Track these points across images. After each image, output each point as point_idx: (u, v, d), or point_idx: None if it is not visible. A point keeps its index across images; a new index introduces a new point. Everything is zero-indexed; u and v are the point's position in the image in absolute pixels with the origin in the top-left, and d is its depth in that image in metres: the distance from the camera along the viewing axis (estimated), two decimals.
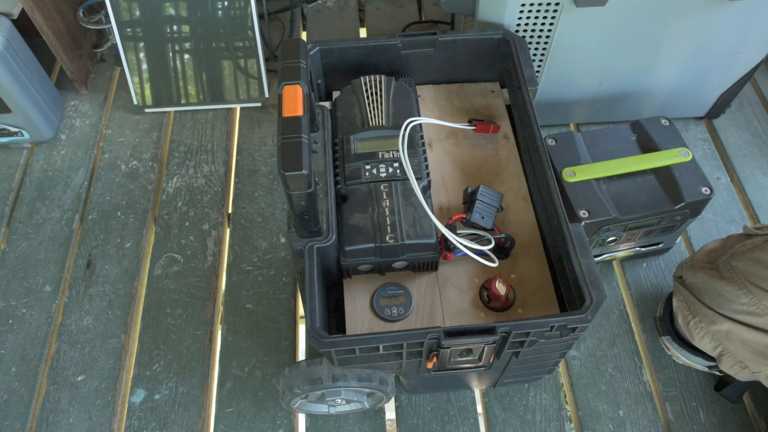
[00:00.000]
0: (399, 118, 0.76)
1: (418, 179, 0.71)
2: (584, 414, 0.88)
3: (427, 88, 0.89)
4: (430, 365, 0.66)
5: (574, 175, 0.86)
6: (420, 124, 0.79)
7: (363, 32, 1.40)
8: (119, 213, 1.10)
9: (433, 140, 0.83)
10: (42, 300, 1.00)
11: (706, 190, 0.85)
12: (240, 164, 1.16)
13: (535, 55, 0.99)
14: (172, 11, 1.13)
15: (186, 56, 1.17)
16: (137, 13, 1.12)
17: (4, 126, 1.12)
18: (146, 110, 1.23)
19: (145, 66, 1.18)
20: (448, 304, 0.70)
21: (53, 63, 1.31)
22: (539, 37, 0.96)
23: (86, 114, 1.24)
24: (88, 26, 1.20)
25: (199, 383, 0.92)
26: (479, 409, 0.89)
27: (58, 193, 1.12)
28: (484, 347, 0.65)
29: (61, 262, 1.04)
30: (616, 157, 0.89)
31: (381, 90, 0.80)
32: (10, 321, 0.98)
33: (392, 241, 0.68)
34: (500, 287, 0.68)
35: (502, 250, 0.73)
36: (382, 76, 0.81)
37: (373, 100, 0.79)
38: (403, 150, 0.72)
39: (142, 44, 1.16)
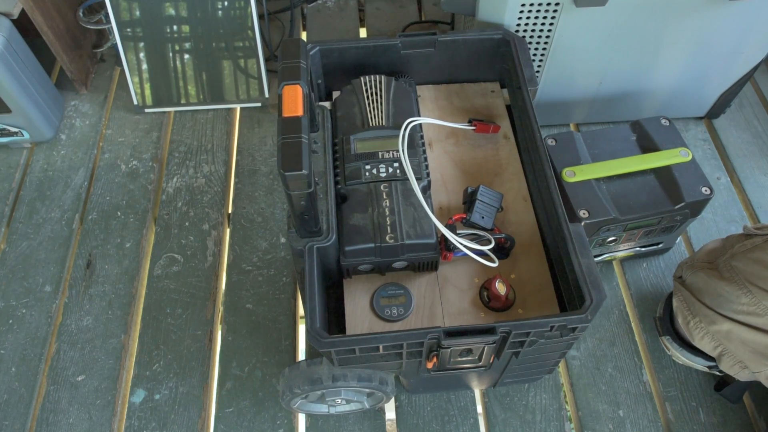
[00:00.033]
0: (399, 118, 0.76)
1: (418, 179, 0.71)
2: (584, 414, 0.88)
3: (427, 88, 0.89)
4: (430, 365, 0.66)
5: (574, 175, 0.86)
6: (420, 124, 0.79)
7: (363, 32, 1.40)
8: (119, 213, 1.10)
9: (433, 140, 0.83)
10: (42, 300, 1.00)
11: (706, 190, 0.85)
12: (240, 164, 1.16)
13: (535, 55, 0.99)
14: (172, 11, 1.13)
15: (186, 56, 1.17)
16: (137, 13, 1.12)
17: (4, 126, 1.12)
18: (146, 110, 1.23)
19: (145, 66, 1.18)
20: (448, 304, 0.70)
21: (53, 63, 1.31)
22: (539, 37, 0.96)
23: (86, 114, 1.24)
24: (88, 26, 1.20)
25: (199, 383, 0.92)
26: (479, 409, 0.89)
27: (58, 193, 1.12)
28: (484, 347, 0.65)
29: (61, 262, 1.04)
30: (616, 157, 0.89)
31: (381, 90, 0.80)
32: (10, 321, 0.98)
33: (392, 241, 0.68)
34: (500, 287, 0.68)
35: (502, 250, 0.73)
36: (382, 76, 0.81)
37: (373, 100, 0.79)
38: (403, 150, 0.72)
39: (142, 44, 1.16)
